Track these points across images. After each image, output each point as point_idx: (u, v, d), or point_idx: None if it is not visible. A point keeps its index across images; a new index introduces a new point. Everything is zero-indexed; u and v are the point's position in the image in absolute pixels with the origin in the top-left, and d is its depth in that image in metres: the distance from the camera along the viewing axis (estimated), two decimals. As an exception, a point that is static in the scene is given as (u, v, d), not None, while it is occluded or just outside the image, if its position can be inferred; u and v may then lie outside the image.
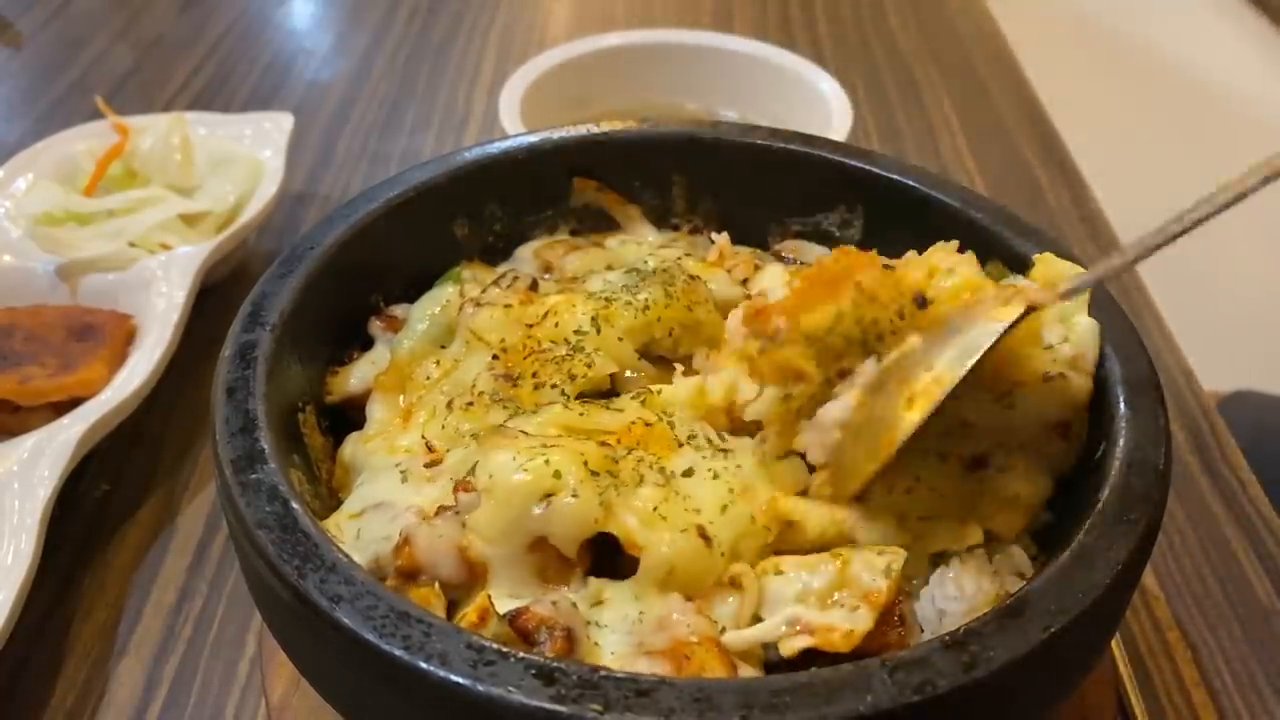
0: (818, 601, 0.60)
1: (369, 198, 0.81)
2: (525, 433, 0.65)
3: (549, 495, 0.60)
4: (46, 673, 0.84)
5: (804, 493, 0.66)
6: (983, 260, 0.79)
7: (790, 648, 0.58)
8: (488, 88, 1.65)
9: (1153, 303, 1.24)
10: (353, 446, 0.74)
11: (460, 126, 1.57)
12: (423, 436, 0.70)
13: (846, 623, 0.58)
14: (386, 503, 0.66)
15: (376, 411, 0.75)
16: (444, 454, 0.69)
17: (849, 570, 0.61)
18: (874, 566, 0.61)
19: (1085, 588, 0.55)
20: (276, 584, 0.56)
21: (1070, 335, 0.69)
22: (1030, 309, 0.64)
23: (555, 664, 0.50)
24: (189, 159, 1.22)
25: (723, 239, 0.87)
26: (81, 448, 0.92)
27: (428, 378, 0.75)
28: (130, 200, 1.17)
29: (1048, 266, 0.72)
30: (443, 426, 0.70)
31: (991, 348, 0.63)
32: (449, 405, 0.71)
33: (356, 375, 0.78)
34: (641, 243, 0.90)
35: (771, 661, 0.60)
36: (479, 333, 0.73)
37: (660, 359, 0.76)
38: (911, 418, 0.62)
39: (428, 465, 0.68)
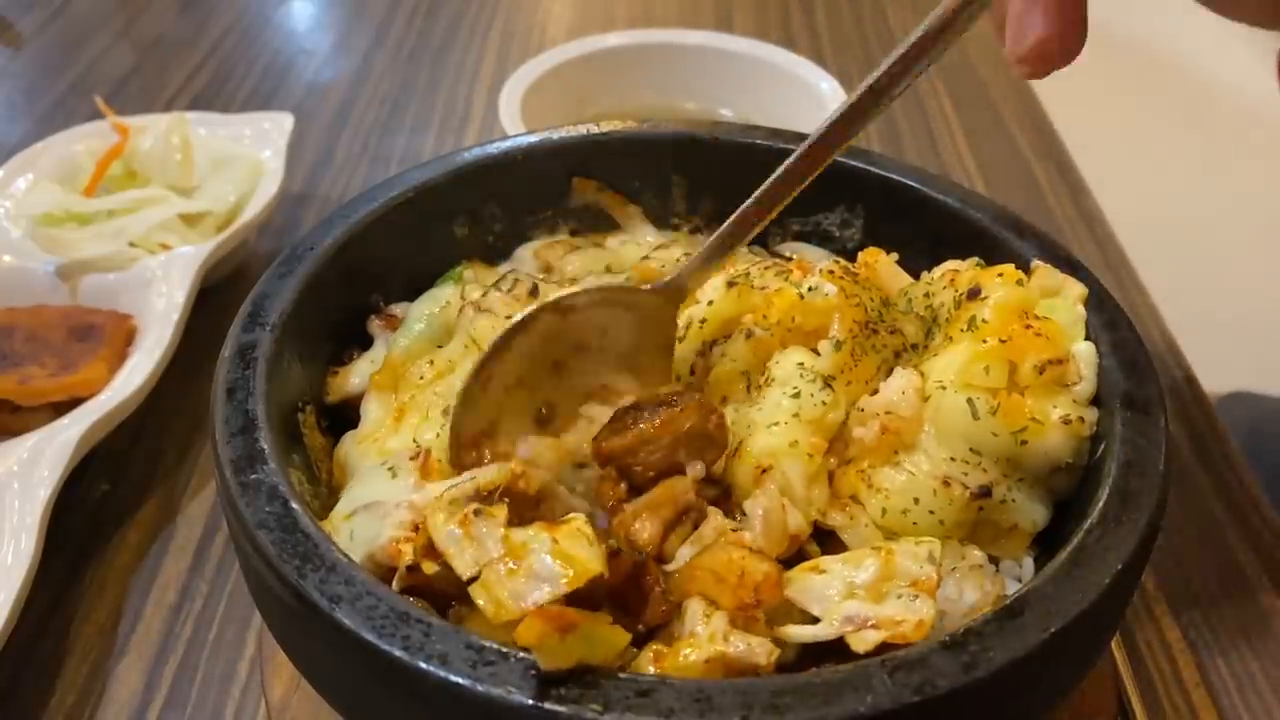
0: (868, 595, 0.59)
1: (369, 198, 0.81)
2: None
3: None
4: (46, 673, 0.84)
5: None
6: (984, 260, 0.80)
7: (864, 643, 0.56)
8: (488, 88, 1.65)
9: (1153, 303, 1.24)
10: (348, 446, 0.74)
11: (460, 126, 1.57)
12: (414, 440, 0.70)
13: (912, 613, 0.57)
14: (377, 502, 0.65)
15: (371, 410, 0.75)
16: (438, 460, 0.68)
17: (894, 562, 0.60)
18: (917, 556, 0.61)
19: (1085, 588, 0.55)
20: (276, 584, 0.56)
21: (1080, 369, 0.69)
22: None
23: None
24: (189, 159, 1.22)
25: None
26: (81, 448, 0.92)
27: (421, 377, 0.75)
28: (130, 200, 1.17)
29: (1044, 277, 0.73)
30: (436, 435, 0.70)
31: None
32: (444, 411, 0.71)
33: (356, 375, 0.78)
34: (641, 243, 0.90)
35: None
36: (479, 340, 0.73)
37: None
38: None
39: (413, 458, 0.67)
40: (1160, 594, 0.91)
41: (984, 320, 0.68)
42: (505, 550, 0.55)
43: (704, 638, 0.56)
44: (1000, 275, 0.71)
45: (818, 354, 0.69)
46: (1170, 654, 0.87)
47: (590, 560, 0.54)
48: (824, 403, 0.67)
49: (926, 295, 0.75)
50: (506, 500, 0.61)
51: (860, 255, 0.79)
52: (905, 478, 0.66)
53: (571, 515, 0.59)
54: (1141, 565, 0.60)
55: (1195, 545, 0.96)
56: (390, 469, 0.67)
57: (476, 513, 0.57)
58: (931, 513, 0.65)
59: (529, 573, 0.53)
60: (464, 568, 0.55)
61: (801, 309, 0.70)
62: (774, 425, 0.66)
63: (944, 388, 0.67)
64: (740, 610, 0.57)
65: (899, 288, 0.78)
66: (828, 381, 0.68)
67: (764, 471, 0.65)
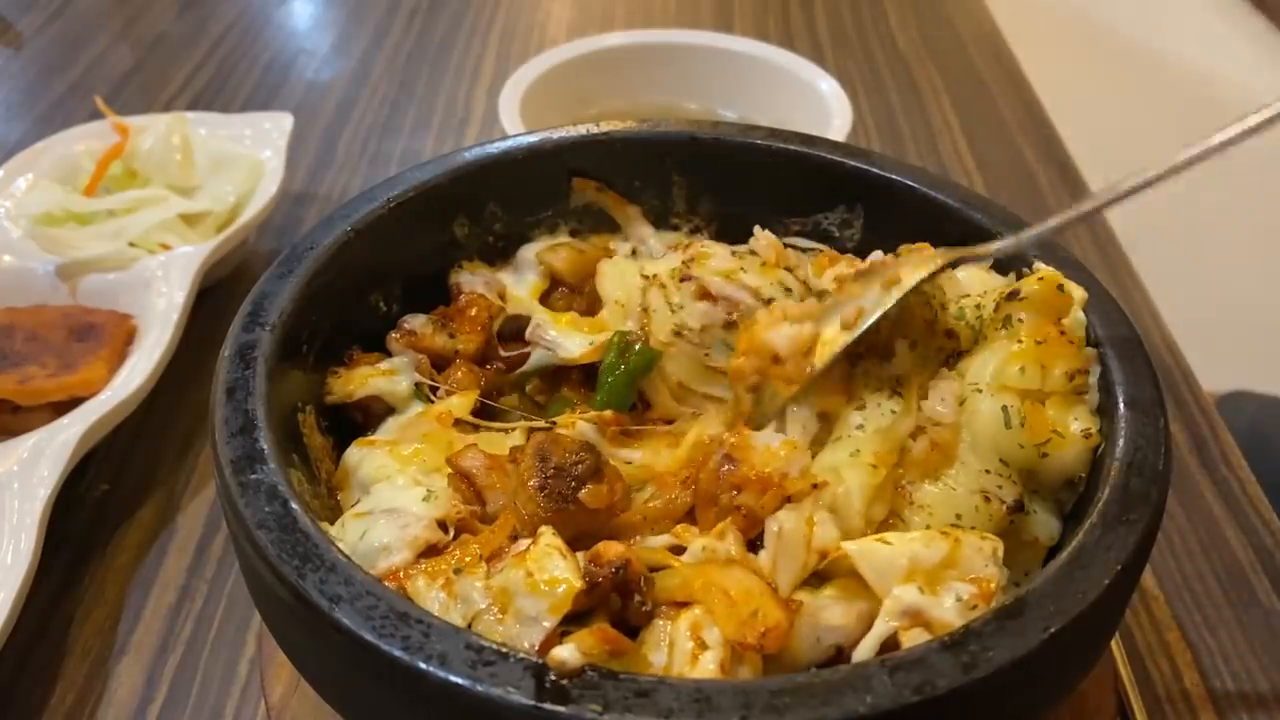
0: (928, 583, 0.58)
1: (369, 198, 0.80)
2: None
3: None
4: (46, 673, 0.84)
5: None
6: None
7: (914, 641, 0.56)
8: (488, 88, 1.65)
9: (1153, 303, 1.24)
10: (363, 451, 0.73)
11: (460, 126, 1.57)
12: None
13: (964, 621, 0.56)
14: (399, 510, 0.65)
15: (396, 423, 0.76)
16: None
17: (960, 551, 0.59)
18: (982, 551, 0.60)
19: (1085, 588, 0.55)
20: (276, 584, 0.56)
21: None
22: (961, 260, 0.70)
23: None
24: (189, 159, 1.22)
25: (767, 235, 0.83)
26: (81, 448, 0.92)
27: None
28: (130, 200, 1.17)
29: (1044, 280, 0.73)
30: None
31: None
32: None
33: (372, 386, 0.77)
34: (641, 245, 0.90)
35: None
36: None
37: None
38: (833, 342, 0.66)
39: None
40: (1160, 594, 0.91)
41: (1020, 320, 0.68)
42: (491, 599, 0.57)
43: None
44: (1040, 279, 0.71)
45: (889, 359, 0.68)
46: (1170, 654, 0.86)
47: (564, 583, 0.56)
48: (893, 411, 0.65)
49: (978, 307, 0.74)
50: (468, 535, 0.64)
51: (901, 249, 0.78)
52: (946, 493, 0.64)
53: (541, 530, 0.60)
54: (1141, 565, 0.60)
55: (1195, 545, 0.96)
56: (428, 490, 0.67)
57: (457, 572, 0.60)
58: (972, 528, 0.63)
59: (517, 616, 0.56)
60: (456, 621, 0.57)
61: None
62: (838, 439, 0.65)
63: (980, 391, 0.66)
64: (740, 645, 0.57)
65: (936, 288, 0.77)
66: (895, 388, 0.67)
67: (814, 488, 0.63)
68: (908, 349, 0.68)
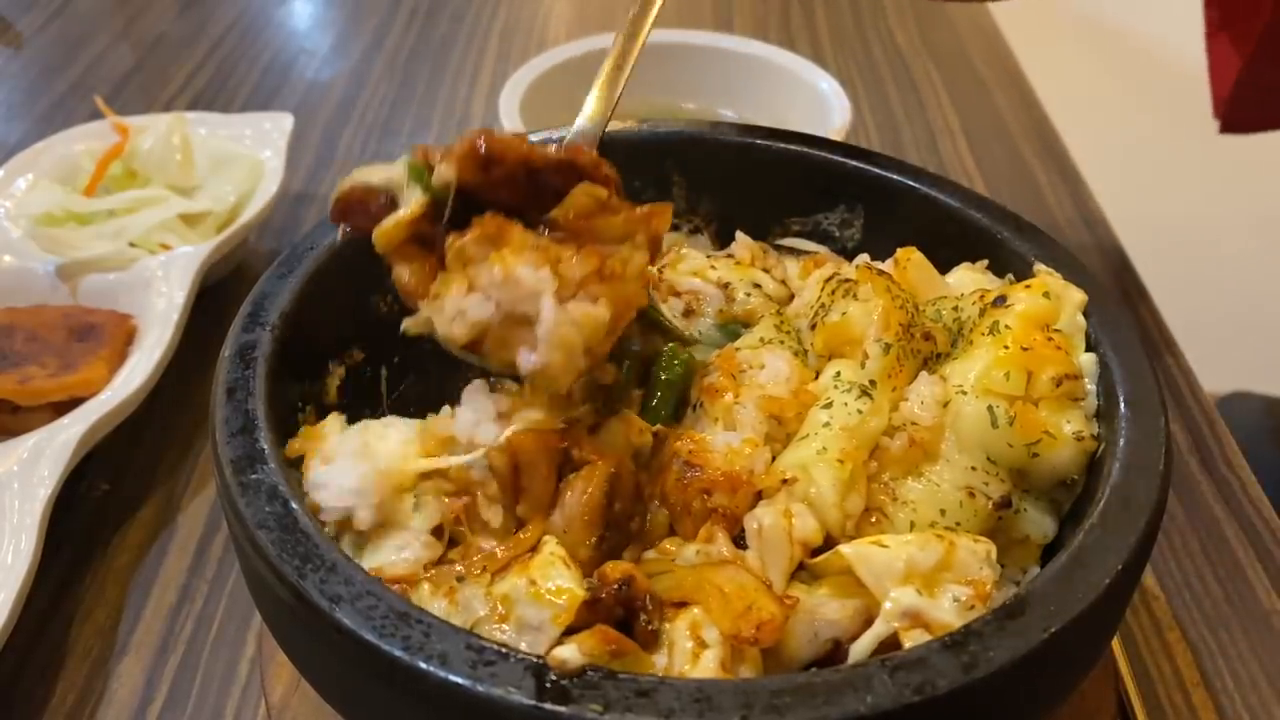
0: (925, 585, 0.58)
1: (369, 198, 0.80)
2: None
3: None
4: (46, 672, 0.84)
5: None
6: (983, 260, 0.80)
7: (914, 640, 0.56)
8: (488, 88, 1.65)
9: (1153, 303, 1.24)
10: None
11: (460, 126, 1.57)
12: None
13: (963, 621, 0.56)
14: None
15: None
16: None
17: (955, 554, 0.59)
18: (976, 554, 0.60)
19: (1085, 588, 0.55)
20: (276, 584, 0.56)
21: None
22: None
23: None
24: (189, 159, 1.22)
25: (746, 240, 0.87)
26: (81, 448, 0.92)
27: None
28: (130, 200, 1.17)
29: (1044, 282, 0.73)
30: None
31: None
32: None
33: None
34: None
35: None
36: None
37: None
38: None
39: None
40: (1160, 594, 0.91)
41: (1006, 326, 0.68)
42: (491, 608, 0.57)
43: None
44: (1028, 287, 0.71)
45: (862, 363, 0.68)
46: (1170, 654, 0.86)
47: (567, 593, 0.56)
48: (860, 411, 0.66)
49: (955, 309, 0.74)
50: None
51: (898, 252, 0.78)
52: (931, 489, 0.65)
53: (544, 540, 0.61)
54: (1141, 565, 0.60)
55: (1195, 545, 0.96)
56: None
57: (460, 579, 0.60)
58: (958, 524, 0.64)
59: (519, 624, 0.56)
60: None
61: (833, 330, 0.70)
62: (804, 438, 0.65)
63: (964, 393, 0.66)
64: (735, 639, 0.57)
65: (927, 291, 0.77)
66: (865, 389, 0.67)
67: (784, 483, 0.63)
68: (881, 352, 0.68)
